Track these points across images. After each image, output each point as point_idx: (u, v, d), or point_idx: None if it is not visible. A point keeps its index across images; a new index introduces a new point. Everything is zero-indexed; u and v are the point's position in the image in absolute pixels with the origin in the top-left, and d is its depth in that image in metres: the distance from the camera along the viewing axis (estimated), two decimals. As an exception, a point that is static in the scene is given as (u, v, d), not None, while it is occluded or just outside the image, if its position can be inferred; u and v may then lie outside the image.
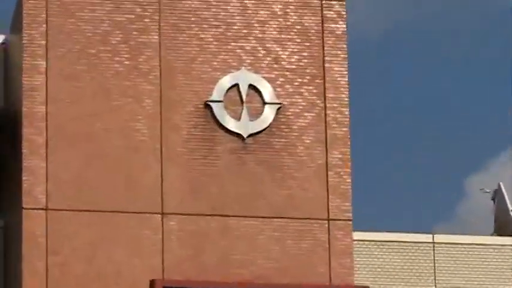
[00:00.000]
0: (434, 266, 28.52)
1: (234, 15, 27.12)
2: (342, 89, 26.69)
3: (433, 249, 27.91)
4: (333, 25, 27.08)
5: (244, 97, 26.33)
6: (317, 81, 26.69)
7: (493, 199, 33.58)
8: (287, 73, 26.80)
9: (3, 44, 29.09)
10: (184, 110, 26.46)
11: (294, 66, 26.87)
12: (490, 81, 61.33)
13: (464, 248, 28.45)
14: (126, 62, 26.37)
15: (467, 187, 46.35)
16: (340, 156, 26.88)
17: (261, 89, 26.39)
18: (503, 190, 32.81)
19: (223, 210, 26.00)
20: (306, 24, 27.08)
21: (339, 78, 26.76)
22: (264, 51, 26.83)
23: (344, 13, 27.40)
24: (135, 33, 26.66)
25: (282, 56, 26.89)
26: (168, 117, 26.28)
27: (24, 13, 26.61)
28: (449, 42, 61.57)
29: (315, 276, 26.55)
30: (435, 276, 28.73)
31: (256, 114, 26.32)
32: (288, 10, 27.30)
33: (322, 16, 27.18)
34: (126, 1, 27.14)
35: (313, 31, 27.05)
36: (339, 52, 27.22)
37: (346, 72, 27.09)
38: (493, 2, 67.64)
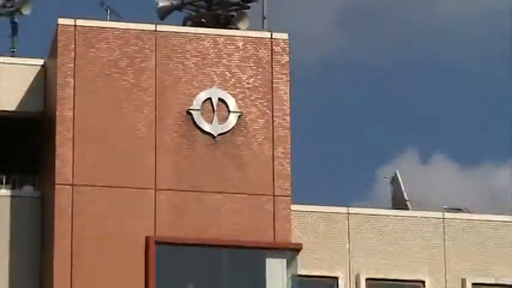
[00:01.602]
0: (349, 231, 31.31)
1: (208, 48, 30.60)
2: (285, 102, 30.40)
3: (348, 218, 31.12)
4: (279, 56, 30.60)
5: (215, 107, 29.79)
6: (267, 96, 30.25)
7: (391, 183, 35.76)
8: (246, 90, 30.29)
9: (43, 66, 32.13)
10: (173, 115, 29.79)
11: (251, 86, 30.44)
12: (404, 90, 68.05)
13: (371, 218, 31.56)
14: (132, 81, 29.78)
15: (380, 174, 50.99)
16: (283, 150, 30.09)
17: (227, 101, 29.93)
18: (399, 176, 35.31)
19: (200, 188, 29.26)
20: (260, 55, 30.64)
21: (283, 95, 30.32)
22: (230, 75, 30.38)
23: (287, 48, 30.90)
24: (138, 60, 30.08)
25: (243, 78, 30.46)
26: (161, 121, 29.55)
27: (59, 44, 30.03)
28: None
29: (264, 235, 29.61)
30: (349, 238, 31.48)
31: (223, 120, 29.81)
32: (247, 45, 30.79)
33: (272, 50, 30.72)
34: (132, 37, 30.37)
35: (265, 61, 30.58)
36: (283, 76, 30.49)
37: (288, 90, 30.56)
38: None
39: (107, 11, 31.73)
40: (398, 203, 34.46)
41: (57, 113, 29.20)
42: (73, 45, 29.60)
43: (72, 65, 29.41)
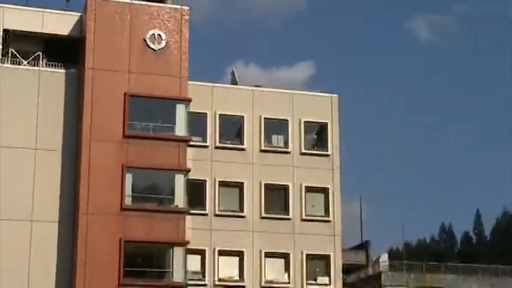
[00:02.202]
0: (212, 94, 37.26)
1: (153, 12, 36.01)
2: (186, 38, 36.08)
3: (212, 89, 37.07)
4: (184, 16, 36.33)
5: (156, 37, 35.85)
6: (179, 33, 35.95)
7: (231, 75, 41.01)
8: (170, 31, 35.83)
9: (81, 15, 36.24)
10: (137, 40, 35.49)
11: (172, 29, 35.91)
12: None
13: (217, 87, 37.74)
14: (121, 24, 35.19)
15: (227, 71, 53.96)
16: (184, 57, 35.51)
17: (162, 36, 35.79)
18: (235, 71, 40.73)
19: (149, 72, 34.92)
20: (176, 15, 36.34)
21: (186, 33, 35.85)
22: (162, 23, 35.99)
23: (188, 12, 36.40)
24: (123, 15, 35.21)
25: (168, 25, 35.93)
26: (132, 42, 35.35)
27: (88, 7, 35.07)
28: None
29: (175, 94, 35.05)
30: (213, 101, 36.98)
31: (160, 43, 35.73)
32: (171, 11, 36.31)
33: (181, 13, 36.38)
34: (121, 5, 35.29)
35: (178, 18, 36.31)
36: (186, 25, 36.24)
37: (188, 32, 36.11)
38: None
39: None
40: (234, 83, 40.26)
41: (87, 37, 34.91)
42: (94, 8, 35.21)
43: (94, 16, 35.03)
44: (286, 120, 38.62)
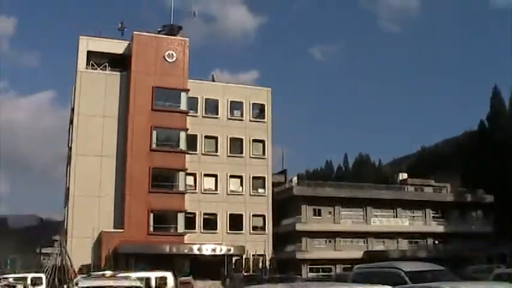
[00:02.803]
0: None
1: (169, 40, 37.85)
2: (188, 57, 37.66)
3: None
4: (187, 43, 38.15)
5: (169, 53, 36.99)
6: (182, 55, 37.72)
7: (212, 76, 42.12)
8: (176, 52, 37.52)
9: (129, 43, 37.37)
10: (160, 55, 36.84)
11: (178, 50, 37.57)
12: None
13: None
14: (150, 47, 36.82)
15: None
16: (180, 49, 37.03)
17: (173, 53, 37.22)
18: (214, 75, 42.55)
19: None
20: (183, 42, 38.19)
21: (187, 54, 37.74)
22: (173, 46, 37.37)
23: (188, 41, 38.41)
24: (154, 42, 37.02)
25: (177, 47, 37.79)
26: (157, 54, 36.82)
27: (134, 38, 37.12)
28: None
29: (181, 86, 36.59)
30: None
31: (171, 57, 37.09)
32: (180, 41, 37.83)
33: (185, 42, 38.15)
34: (151, 38, 37.09)
35: (182, 43, 37.98)
36: (187, 43, 37.76)
37: (188, 47, 37.85)
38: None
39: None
40: (213, 81, 41.27)
41: (132, 54, 37.38)
42: (137, 38, 37.83)
43: (137, 44, 37.49)
44: (242, 102, 41.16)
